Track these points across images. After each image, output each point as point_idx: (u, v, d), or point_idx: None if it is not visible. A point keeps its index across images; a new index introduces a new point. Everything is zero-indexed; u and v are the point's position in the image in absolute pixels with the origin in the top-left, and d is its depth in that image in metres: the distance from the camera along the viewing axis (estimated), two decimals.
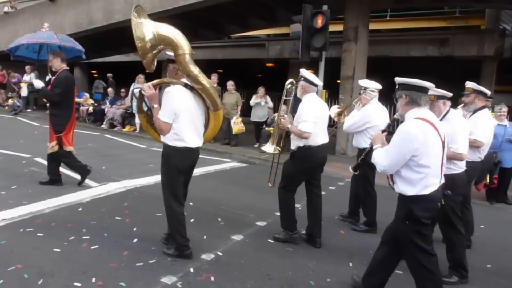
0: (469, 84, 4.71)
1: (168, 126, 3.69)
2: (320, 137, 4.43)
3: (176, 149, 3.75)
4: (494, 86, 15.16)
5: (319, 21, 8.80)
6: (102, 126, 13.11)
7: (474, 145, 4.40)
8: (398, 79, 3.13)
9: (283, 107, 5.08)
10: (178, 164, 3.80)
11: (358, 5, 10.72)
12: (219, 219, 5.11)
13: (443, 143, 3.04)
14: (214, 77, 11.42)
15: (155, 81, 3.90)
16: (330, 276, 3.80)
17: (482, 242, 5.03)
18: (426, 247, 3.03)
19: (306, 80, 4.48)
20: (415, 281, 3.12)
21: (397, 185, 3.07)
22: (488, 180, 6.93)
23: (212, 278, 3.59)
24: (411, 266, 3.13)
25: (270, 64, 20.20)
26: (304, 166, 4.44)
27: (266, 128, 10.47)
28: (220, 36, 18.18)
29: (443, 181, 3.12)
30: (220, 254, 4.12)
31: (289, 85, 4.74)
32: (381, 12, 16.59)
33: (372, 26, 13.20)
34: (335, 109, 5.86)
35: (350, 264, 4.10)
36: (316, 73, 9.90)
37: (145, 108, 4.07)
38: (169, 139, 3.76)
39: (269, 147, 4.65)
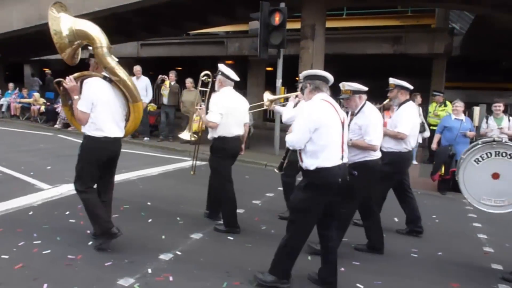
0: (391, 80, 4.94)
1: (85, 116, 3.80)
2: (234, 128, 4.70)
3: (94, 138, 3.84)
4: (445, 83, 15.87)
5: (277, 19, 8.88)
6: (56, 126, 12.63)
7: (398, 137, 4.73)
8: (302, 73, 3.57)
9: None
10: (95, 154, 3.86)
11: (315, 3, 10.88)
12: (178, 218, 5.05)
13: (342, 123, 3.42)
14: (172, 74, 11.27)
15: (76, 74, 3.96)
16: (293, 271, 3.82)
17: (433, 231, 5.25)
18: (310, 216, 3.38)
19: (223, 74, 4.72)
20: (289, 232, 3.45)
21: (303, 161, 3.38)
22: (443, 171, 7.25)
23: (171, 278, 3.54)
24: (290, 224, 3.46)
25: (229, 62, 20.17)
26: (222, 155, 4.72)
27: None
28: (179, 33, 17.95)
29: (346, 160, 3.45)
30: (179, 253, 4.07)
31: (204, 77, 5.13)
32: (338, 11, 16.91)
33: (329, 24, 13.43)
34: (268, 95, 5.97)
35: (309, 258, 4.15)
36: (275, 70, 10.00)
37: (70, 102, 4.10)
38: (88, 129, 3.85)
39: (185, 134, 5.00)
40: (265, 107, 5.94)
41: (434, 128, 9.79)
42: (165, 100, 11.27)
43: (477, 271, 4.18)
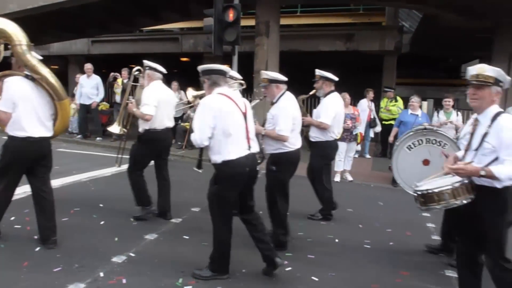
0: (317, 72, 5.16)
1: (7, 116, 3.72)
2: (165, 121, 4.83)
3: (16, 138, 3.75)
4: (396, 79, 16.43)
5: (231, 15, 8.82)
6: None
7: (321, 127, 4.99)
8: (199, 67, 3.62)
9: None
10: (17, 154, 3.77)
11: (269, 0, 10.93)
12: (132, 219, 4.92)
13: (244, 114, 3.48)
14: (125, 72, 10.96)
15: None
16: (245, 267, 3.83)
17: (386, 222, 5.42)
18: (226, 208, 3.49)
19: (150, 68, 4.84)
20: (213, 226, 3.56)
21: (210, 156, 3.46)
22: None
23: (124, 281, 3.44)
24: (212, 218, 3.56)
25: (184, 59, 19.90)
26: (150, 148, 4.81)
27: (182, 124, 10.28)
28: (131, 30, 17.50)
29: (254, 150, 3.54)
30: (133, 255, 3.96)
31: (137, 72, 5.30)
32: (292, 8, 17.09)
33: (284, 21, 13.55)
34: (192, 91, 6.02)
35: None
36: (230, 67, 9.96)
37: None
38: (10, 129, 3.77)
39: (115, 128, 5.13)
40: (191, 105, 5.96)
41: (385, 123, 10.14)
42: (117, 99, 10.95)
43: (426, 259, 4.35)
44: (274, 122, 4.19)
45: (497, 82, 2.89)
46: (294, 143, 4.27)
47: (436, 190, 2.95)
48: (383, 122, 10.28)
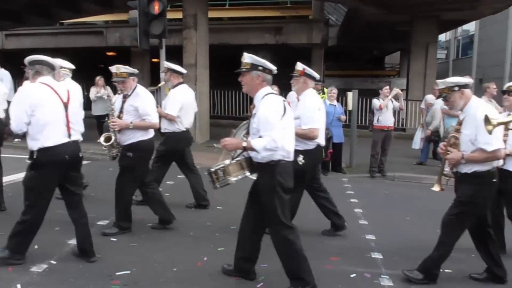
0: (165, 64, 5.41)
1: None
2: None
3: None
4: (324, 71, 16.97)
5: (156, 7, 8.55)
6: None
7: (167, 118, 5.17)
8: (25, 59, 3.66)
9: None
10: None
11: None
12: (54, 225, 4.60)
13: (65, 104, 3.55)
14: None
15: None
16: (177, 265, 3.75)
17: (317, 210, 5.54)
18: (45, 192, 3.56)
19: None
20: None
21: (28, 142, 3.49)
22: (324, 154, 7.71)
23: None
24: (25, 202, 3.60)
25: (110, 53, 19.06)
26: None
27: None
28: (51, 22, 16.40)
29: (76, 138, 3.65)
30: (54, 262, 3.72)
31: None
32: (221, 1, 16.98)
33: (213, 14, 13.42)
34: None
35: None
36: (158, 61, 9.67)
37: None
38: None
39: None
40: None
41: None
42: None
43: (354, 243, 4.54)
44: (141, 113, 4.33)
45: (255, 66, 3.20)
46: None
47: (212, 169, 3.28)
48: None
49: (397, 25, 16.03)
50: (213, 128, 12.14)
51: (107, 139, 4.47)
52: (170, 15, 9.01)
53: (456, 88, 3.39)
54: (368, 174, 8.03)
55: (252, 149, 3.07)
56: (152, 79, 15.35)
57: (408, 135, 12.98)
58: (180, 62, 10.72)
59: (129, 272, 3.59)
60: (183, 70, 5.35)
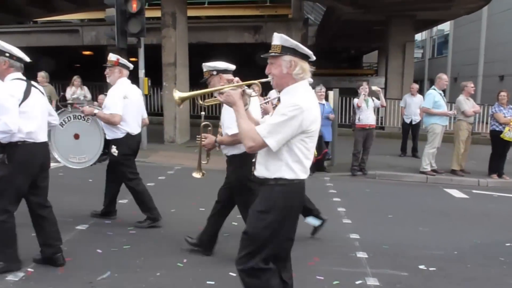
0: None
1: None
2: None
3: None
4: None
5: (134, 6, 8.41)
6: None
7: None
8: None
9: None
10: None
11: None
12: (30, 231, 4.43)
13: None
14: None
15: None
16: (159, 269, 3.66)
17: None
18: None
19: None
20: None
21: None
22: (316, 153, 7.72)
23: None
24: None
25: (87, 52, 18.65)
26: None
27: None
28: (23, 21, 15.94)
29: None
30: (31, 270, 3.57)
31: None
32: None
33: (192, 12, 13.31)
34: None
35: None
36: (137, 60, 9.50)
37: None
38: None
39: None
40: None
41: None
42: None
43: (337, 243, 4.52)
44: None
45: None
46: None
47: None
48: None
49: (374, 24, 16.22)
50: (193, 128, 12.01)
51: None
52: (148, 13, 8.83)
53: (215, 72, 3.66)
54: (350, 172, 8.07)
55: None
56: (130, 78, 15.09)
57: (387, 133, 13.16)
58: (159, 61, 10.59)
59: (110, 278, 3.48)
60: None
